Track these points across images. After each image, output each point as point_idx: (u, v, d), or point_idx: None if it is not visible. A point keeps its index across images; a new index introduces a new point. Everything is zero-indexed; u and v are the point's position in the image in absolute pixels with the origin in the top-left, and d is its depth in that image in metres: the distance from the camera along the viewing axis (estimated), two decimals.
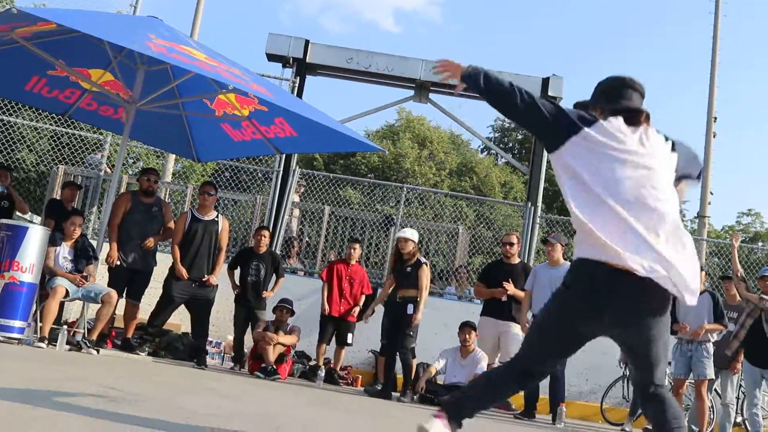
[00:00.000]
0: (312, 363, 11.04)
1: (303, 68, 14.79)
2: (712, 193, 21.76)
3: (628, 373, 11.46)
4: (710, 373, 9.64)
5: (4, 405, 3.56)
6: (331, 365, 10.96)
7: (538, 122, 3.71)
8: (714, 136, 21.90)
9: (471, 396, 3.80)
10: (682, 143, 3.81)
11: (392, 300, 9.95)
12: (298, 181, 14.81)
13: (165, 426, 3.67)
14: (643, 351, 3.64)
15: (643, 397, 3.76)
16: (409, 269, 9.79)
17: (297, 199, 14.82)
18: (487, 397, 3.81)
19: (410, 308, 9.65)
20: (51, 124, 16.08)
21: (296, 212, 14.66)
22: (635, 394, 10.67)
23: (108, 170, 13.56)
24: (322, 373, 10.09)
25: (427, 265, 9.93)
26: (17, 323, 8.30)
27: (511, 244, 10.38)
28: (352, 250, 11.09)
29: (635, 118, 3.73)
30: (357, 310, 10.94)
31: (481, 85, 3.75)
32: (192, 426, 3.84)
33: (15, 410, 3.43)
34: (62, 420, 3.35)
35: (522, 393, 9.94)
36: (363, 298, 11.07)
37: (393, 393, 9.77)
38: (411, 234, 10.01)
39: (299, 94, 14.24)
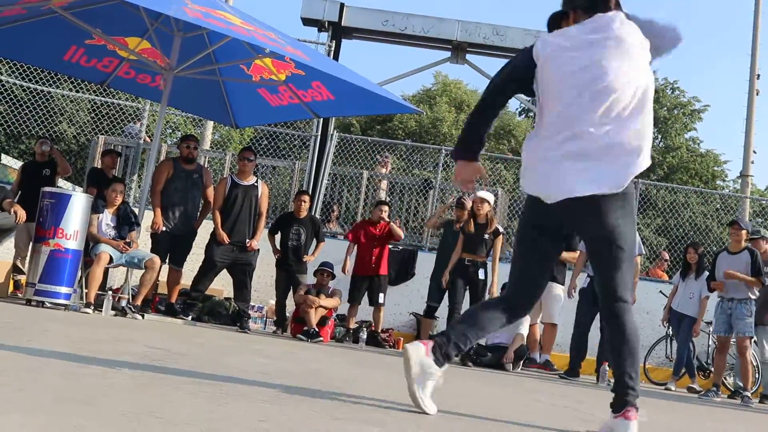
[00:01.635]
0: (354, 326, 11.06)
1: (338, 32, 14.75)
2: (755, 152, 21.43)
3: (671, 333, 11.40)
4: (751, 330, 9.54)
5: (56, 362, 3.62)
6: (372, 328, 10.99)
7: None
8: (757, 94, 21.53)
9: (458, 327, 3.75)
10: None
11: (460, 262, 9.82)
12: (384, 155, 14.85)
13: (211, 380, 3.71)
14: None
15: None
16: (486, 237, 9.68)
17: (385, 171, 14.88)
18: (474, 328, 3.75)
19: (482, 273, 9.57)
20: (90, 94, 16.21)
21: (385, 184, 14.66)
22: (678, 352, 10.67)
23: (147, 139, 13.66)
24: (364, 335, 10.13)
25: (503, 235, 9.81)
26: (63, 289, 8.43)
27: None
28: (382, 213, 11.01)
29: None
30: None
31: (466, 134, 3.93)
32: (237, 379, 3.88)
33: (67, 367, 3.49)
34: (111, 375, 3.40)
35: (569, 353, 9.94)
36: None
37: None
38: (487, 195, 9.85)
39: (335, 58, 14.22)
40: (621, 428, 3.46)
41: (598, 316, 9.80)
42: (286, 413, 3.01)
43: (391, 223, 10.92)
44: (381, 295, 10.81)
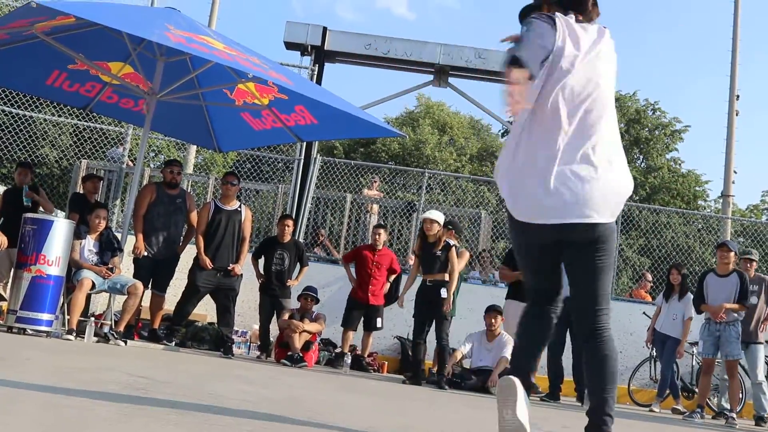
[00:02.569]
0: (338, 350, 11.06)
1: (321, 56, 14.81)
2: (735, 172, 21.51)
3: (655, 354, 11.42)
4: (739, 353, 9.60)
5: (38, 392, 3.58)
6: (357, 352, 10.97)
7: None
8: (737, 114, 21.67)
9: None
10: None
11: (422, 283, 9.83)
12: (373, 178, 14.85)
13: (194, 409, 3.68)
14: None
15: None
16: (438, 253, 9.62)
17: (376, 194, 14.86)
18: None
19: (443, 292, 9.49)
20: (72, 119, 16.17)
21: (375, 208, 14.67)
22: (662, 373, 10.69)
23: (130, 163, 13.62)
24: (348, 359, 10.10)
25: (455, 247, 9.74)
26: (45, 316, 8.37)
27: None
28: (377, 236, 11.03)
29: None
30: (386, 286, 10.94)
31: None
32: (220, 407, 3.85)
33: (48, 397, 3.46)
34: (93, 405, 3.37)
35: (547, 376, 9.95)
36: (393, 277, 11.04)
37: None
38: (436, 216, 9.82)
39: (318, 82, 14.26)
40: None
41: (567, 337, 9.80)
42: None
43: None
44: (378, 320, 10.83)
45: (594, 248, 3.55)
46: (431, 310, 9.59)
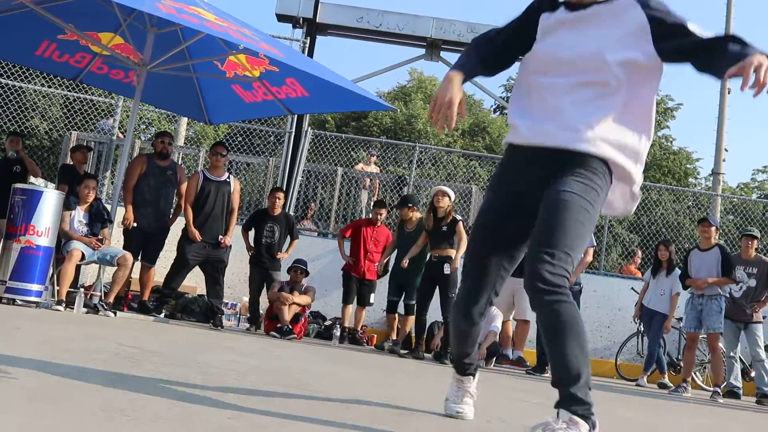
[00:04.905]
0: (327, 323, 11.11)
1: (313, 28, 14.76)
2: (726, 150, 21.65)
3: (642, 329, 11.51)
4: (720, 326, 9.67)
5: (27, 361, 3.60)
6: (351, 325, 11.04)
7: None
8: (728, 92, 21.72)
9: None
10: None
11: (428, 259, 9.80)
12: (371, 152, 14.82)
13: (182, 378, 3.71)
14: None
15: None
16: (444, 228, 9.62)
17: (373, 169, 14.80)
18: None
19: (447, 268, 9.46)
20: (62, 90, 16.09)
21: (377, 183, 14.65)
22: (649, 348, 10.79)
23: (120, 135, 13.58)
24: (338, 332, 10.14)
25: (462, 222, 9.64)
26: (34, 287, 8.38)
27: None
28: (379, 216, 11.06)
29: None
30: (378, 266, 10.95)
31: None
32: (209, 377, 3.88)
33: (37, 366, 3.48)
34: (82, 374, 3.39)
35: (536, 349, 10.01)
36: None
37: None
38: (447, 189, 9.83)
39: (310, 55, 14.21)
40: None
41: None
42: (255, 411, 3.02)
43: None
44: (372, 295, 10.90)
45: None
46: (434, 286, 9.60)
